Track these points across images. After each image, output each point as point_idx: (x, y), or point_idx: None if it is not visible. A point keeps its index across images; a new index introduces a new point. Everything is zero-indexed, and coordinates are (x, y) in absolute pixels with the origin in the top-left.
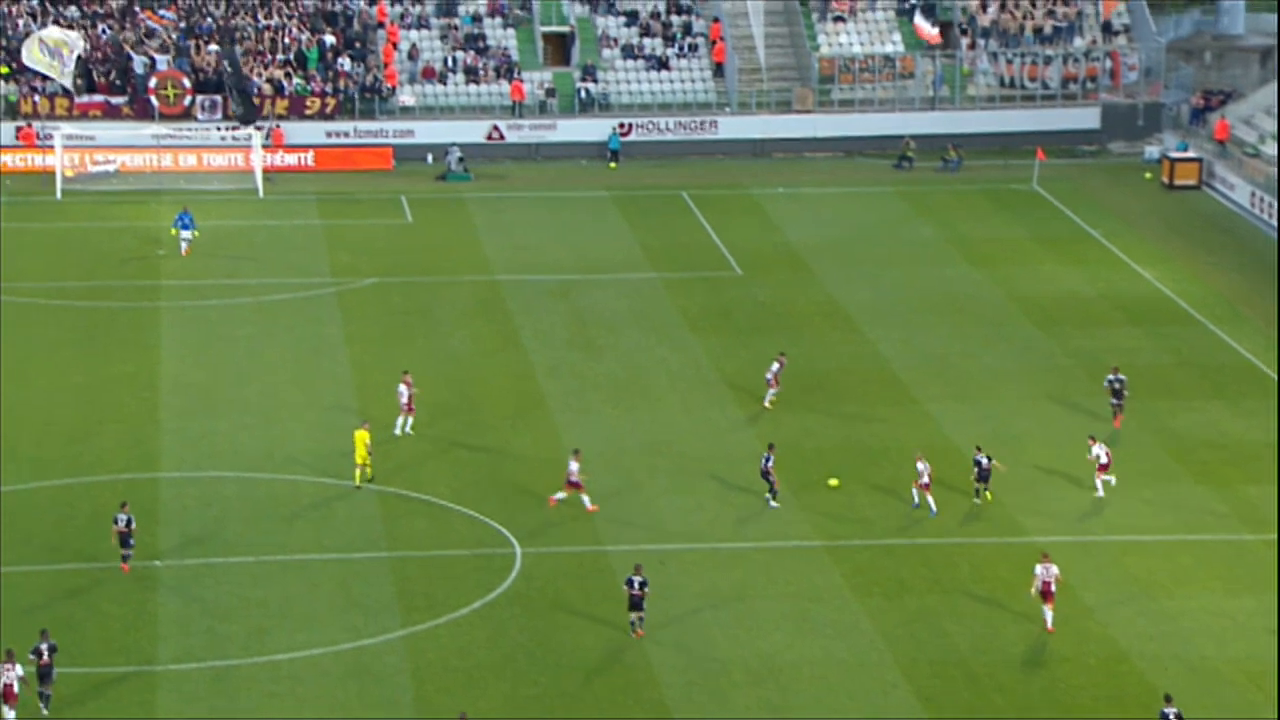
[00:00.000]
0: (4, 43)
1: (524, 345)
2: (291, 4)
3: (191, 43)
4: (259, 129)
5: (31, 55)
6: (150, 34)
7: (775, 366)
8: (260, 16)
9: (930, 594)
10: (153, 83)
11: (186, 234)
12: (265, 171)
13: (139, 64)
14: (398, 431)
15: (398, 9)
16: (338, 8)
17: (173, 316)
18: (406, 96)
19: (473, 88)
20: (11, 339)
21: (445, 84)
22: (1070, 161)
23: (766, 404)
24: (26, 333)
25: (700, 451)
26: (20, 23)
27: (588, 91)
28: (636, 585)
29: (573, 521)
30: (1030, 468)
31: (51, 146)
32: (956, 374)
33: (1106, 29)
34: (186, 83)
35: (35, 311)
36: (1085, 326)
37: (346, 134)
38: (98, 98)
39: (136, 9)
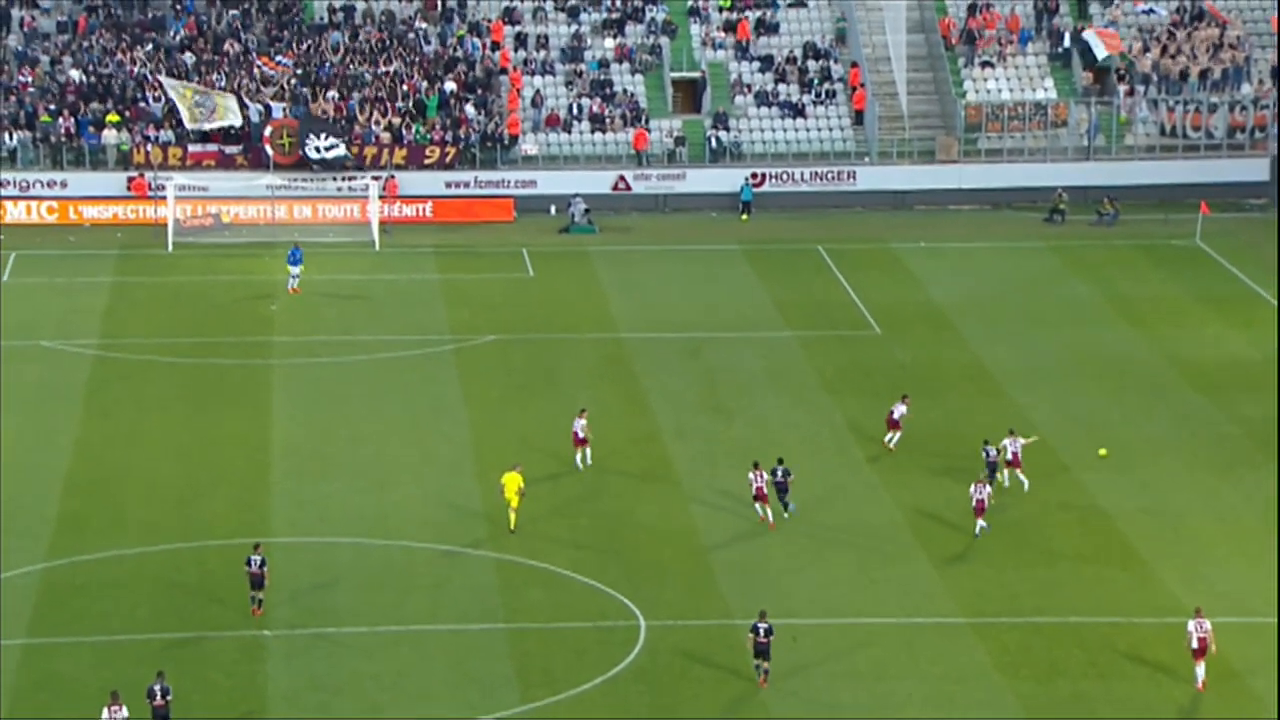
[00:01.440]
0: (117, 90)
1: (650, 407)
2: (411, 50)
3: (308, 90)
4: (376, 179)
5: (182, 89)
6: (266, 81)
7: (902, 409)
8: (380, 63)
9: (1085, 678)
10: (268, 131)
11: (296, 269)
12: (382, 223)
13: (254, 112)
14: (580, 466)
15: (521, 54)
16: (459, 53)
17: (285, 374)
18: (529, 145)
19: (598, 136)
20: (120, 397)
21: (570, 132)
22: (1236, 216)
23: (890, 445)
24: (136, 391)
25: (835, 519)
26: (135, 69)
27: (719, 140)
28: (762, 633)
29: (700, 593)
30: (1192, 543)
31: (164, 197)
32: (1112, 442)
33: (1277, 75)
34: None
35: (145, 368)
36: (1252, 392)
37: (466, 184)
38: (211, 147)
39: (252, 55)
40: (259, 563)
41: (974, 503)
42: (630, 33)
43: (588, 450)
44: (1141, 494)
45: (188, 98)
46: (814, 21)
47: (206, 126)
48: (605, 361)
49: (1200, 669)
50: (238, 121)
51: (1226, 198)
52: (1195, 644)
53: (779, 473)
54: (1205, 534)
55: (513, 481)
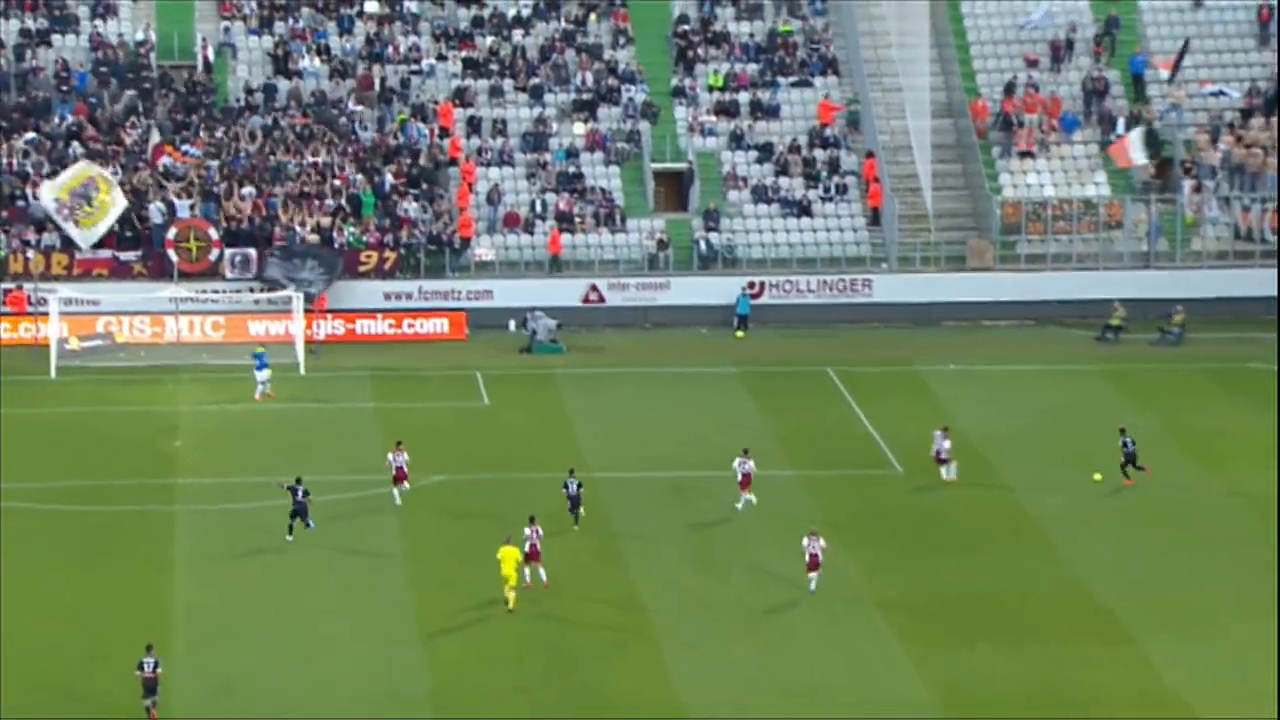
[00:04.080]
0: None
1: (626, 560)
2: (343, 137)
3: (221, 185)
4: (304, 292)
5: (56, 192)
6: (170, 175)
7: (945, 443)
8: (306, 152)
9: None
10: (171, 233)
11: (262, 375)
12: (308, 343)
13: (155, 211)
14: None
15: (475, 142)
16: (401, 141)
17: (190, 524)
18: (484, 250)
19: (566, 238)
20: None
21: (532, 234)
22: None
23: (948, 477)
24: (10, 545)
25: (852, 698)
26: (14, 162)
27: (709, 243)
28: None
29: None
30: None
31: (46, 313)
32: (1179, 605)
33: None
34: (213, 233)
35: (23, 518)
36: None
37: (409, 295)
38: (104, 253)
39: (153, 144)
40: (152, 665)
41: None
42: (604, 116)
43: (540, 570)
44: (1216, 666)
45: (65, 198)
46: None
47: (101, 231)
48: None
49: None
50: (121, 206)
51: None
52: None
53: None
54: None
55: (510, 556)
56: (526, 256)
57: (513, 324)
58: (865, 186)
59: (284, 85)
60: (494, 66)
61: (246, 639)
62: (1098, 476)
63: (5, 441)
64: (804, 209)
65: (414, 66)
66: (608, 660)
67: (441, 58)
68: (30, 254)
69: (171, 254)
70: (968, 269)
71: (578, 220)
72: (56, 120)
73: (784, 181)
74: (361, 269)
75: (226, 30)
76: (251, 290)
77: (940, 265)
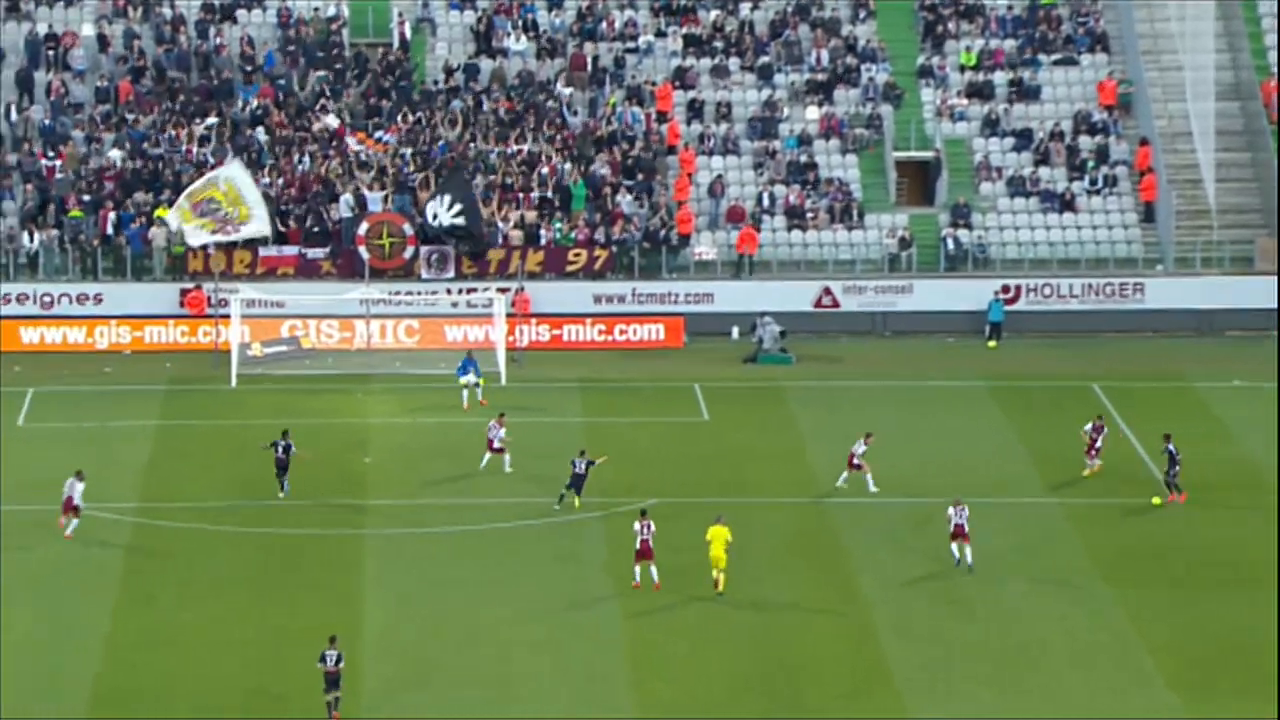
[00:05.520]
0: (169, 177)
1: (863, 595)
2: (552, 123)
3: (416, 176)
4: (503, 291)
5: (181, 213)
6: (362, 165)
7: (1097, 437)
8: (511, 140)
9: None
10: (363, 229)
11: (468, 378)
12: (510, 350)
13: (344, 204)
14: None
15: (696, 128)
16: (615, 127)
17: (381, 549)
18: (705, 248)
19: (797, 235)
20: (165, 579)
21: (759, 230)
22: None
23: (1088, 472)
24: (185, 571)
25: None
26: (194, 150)
27: (958, 241)
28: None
29: None
30: None
31: (227, 316)
32: None
33: None
34: (408, 229)
35: (196, 540)
36: None
37: (622, 298)
38: (289, 250)
39: (345, 131)
40: (335, 659)
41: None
42: (841, 99)
43: (653, 568)
44: None
45: (189, 216)
46: (1088, 85)
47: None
48: (802, 535)
49: None
50: (265, 229)
51: None
52: None
53: None
54: None
55: (719, 536)
56: (754, 255)
57: (735, 331)
58: (1138, 178)
59: (487, 65)
60: (718, 44)
61: (442, 677)
62: (1156, 500)
63: (180, 455)
64: (1067, 203)
65: (630, 44)
66: (838, 706)
67: (660, 34)
68: (210, 250)
69: (362, 251)
70: (1255, 271)
71: (810, 216)
72: (240, 104)
73: (1044, 172)
74: (569, 269)
75: (425, 5)
76: (449, 292)
77: (1223, 267)
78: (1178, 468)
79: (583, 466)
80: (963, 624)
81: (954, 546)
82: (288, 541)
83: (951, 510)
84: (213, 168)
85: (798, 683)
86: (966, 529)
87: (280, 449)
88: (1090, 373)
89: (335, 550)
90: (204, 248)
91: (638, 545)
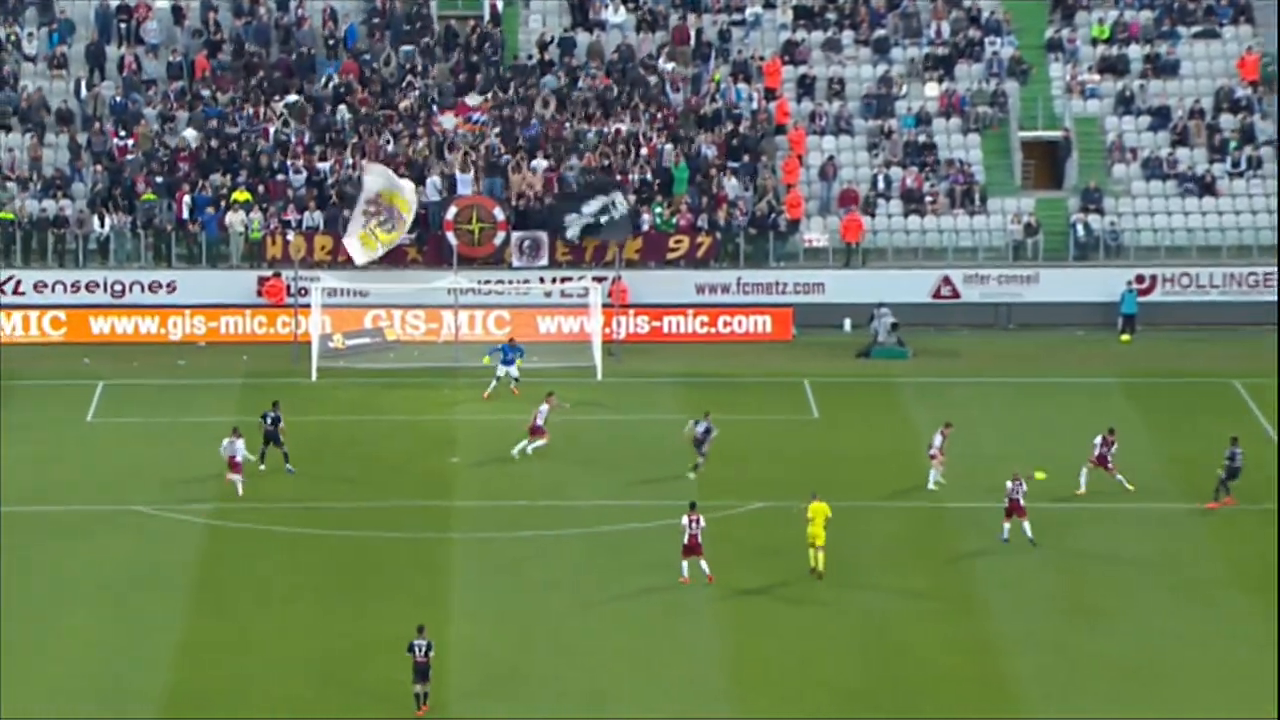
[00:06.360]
0: (247, 158)
1: (986, 605)
2: (653, 101)
3: (508, 157)
4: (599, 280)
5: (363, 243)
6: (450, 145)
7: (1107, 451)
8: (608, 118)
9: None
10: (451, 213)
11: (506, 370)
12: (606, 343)
13: (431, 186)
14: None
15: (807, 106)
16: (719, 105)
17: (468, 553)
18: (815, 234)
19: (914, 221)
20: (241, 584)
21: (873, 215)
22: None
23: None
24: (262, 575)
25: None
26: (271, 130)
27: (1088, 227)
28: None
29: None
30: None
31: (307, 305)
32: None
33: None
34: (499, 214)
35: (272, 544)
36: None
37: (726, 288)
38: None
39: (432, 108)
40: (424, 648)
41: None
42: (963, 75)
43: (703, 563)
44: None
45: (380, 200)
46: (1230, 59)
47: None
48: (917, 539)
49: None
50: (414, 202)
51: None
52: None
53: None
54: None
55: (819, 513)
56: (866, 243)
57: (848, 323)
58: None
59: (583, 39)
60: (830, 16)
61: (531, 689)
62: (1040, 475)
63: (257, 454)
64: (1207, 187)
65: (736, 16)
66: None
67: (769, 5)
68: (290, 235)
69: (450, 237)
70: None
71: (928, 200)
72: (322, 80)
73: (1183, 153)
74: (670, 256)
75: None
76: (542, 280)
77: None
78: (1227, 475)
79: (702, 430)
80: (1090, 636)
81: (1006, 525)
82: (370, 545)
83: (1010, 484)
84: (294, 152)
85: (909, 698)
86: (1023, 504)
87: (269, 420)
88: (1231, 369)
89: (419, 555)
90: (282, 230)
91: (685, 540)
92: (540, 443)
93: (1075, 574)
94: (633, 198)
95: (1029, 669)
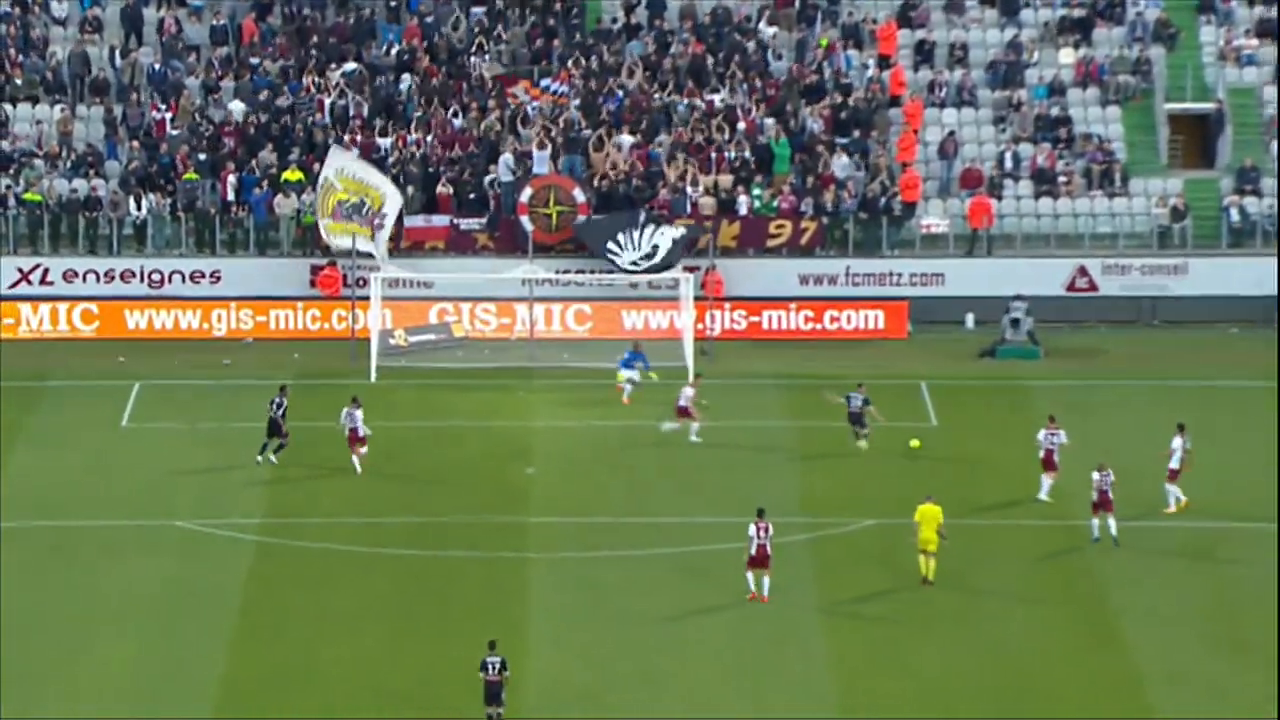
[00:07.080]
0: (299, 132)
1: (1126, 636)
2: (752, 69)
3: (590, 132)
4: (691, 271)
5: (328, 230)
6: (525, 119)
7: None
8: (702, 89)
9: None
10: (526, 195)
11: (629, 375)
12: (699, 339)
13: (504, 166)
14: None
15: (925, 74)
16: (826, 74)
17: (546, 574)
18: (935, 219)
19: (1046, 204)
20: (293, 607)
21: (999, 197)
22: None
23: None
24: (316, 597)
25: None
26: (328, 100)
27: (1243, 212)
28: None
29: None
30: None
31: (366, 298)
32: None
33: None
34: (579, 195)
35: (333, 563)
36: None
37: (834, 279)
38: (439, 220)
39: (506, 80)
40: (497, 665)
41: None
42: (1101, 40)
43: (765, 579)
44: None
45: (338, 229)
46: None
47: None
48: (1049, 561)
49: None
50: (398, 195)
51: None
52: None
53: None
54: None
55: (931, 517)
56: (992, 229)
57: (971, 318)
58: None
59: (674, 1)
60: None
61: None
62: (915, 443)
63: (311, 463)
64: None
65: None
66: None
67: None
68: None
69: (525, 222)
70: None
71: (1062, 180)
72: (383, 47)
73: None
74: (771, 243)
75: None
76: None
77: None
78: None
79: (859, 403)
80: (1244, 671)
81: (1094, 522)
82: (438, 565)
83: (1097, 475)
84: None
85: None
86: (1111, 497)
87: (274, 406)
88: None
89: (493, 576)
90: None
91: (753, 551)
92: (690, 425)
93: (1226, 602)
94: (728, 178)
95: (1177, 706)
